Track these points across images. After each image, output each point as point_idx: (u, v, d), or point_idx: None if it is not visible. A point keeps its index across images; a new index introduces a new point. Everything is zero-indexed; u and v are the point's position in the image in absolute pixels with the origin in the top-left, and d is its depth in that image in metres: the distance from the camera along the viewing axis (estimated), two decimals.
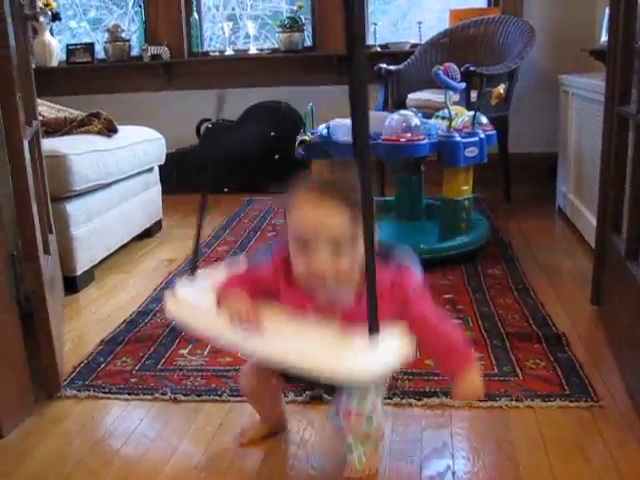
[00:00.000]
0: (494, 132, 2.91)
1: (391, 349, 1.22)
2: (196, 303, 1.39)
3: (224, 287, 1.36)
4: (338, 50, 4.46)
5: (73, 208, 2.70)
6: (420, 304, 1.32)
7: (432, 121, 2.88)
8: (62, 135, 2.94)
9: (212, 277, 1.44)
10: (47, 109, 3.17)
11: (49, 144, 2.64)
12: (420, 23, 4.64)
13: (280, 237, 1.33)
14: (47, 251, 2.11)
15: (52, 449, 1.63)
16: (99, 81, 4.95)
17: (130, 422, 1.73)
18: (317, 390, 1.55)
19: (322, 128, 2.94)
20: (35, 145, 2.15)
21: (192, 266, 1.48)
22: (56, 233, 2.46)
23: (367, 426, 1.32)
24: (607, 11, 2.37)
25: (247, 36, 5.01)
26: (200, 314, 1.36)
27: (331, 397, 1.42)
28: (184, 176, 4.49)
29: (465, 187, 2.82)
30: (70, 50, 4.99)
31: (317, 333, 1.25)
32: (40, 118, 2.82)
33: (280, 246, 1.37)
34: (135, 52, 5.02)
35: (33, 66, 4.67)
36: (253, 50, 4.87)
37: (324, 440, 1.58)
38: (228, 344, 1.32)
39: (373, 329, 1.18)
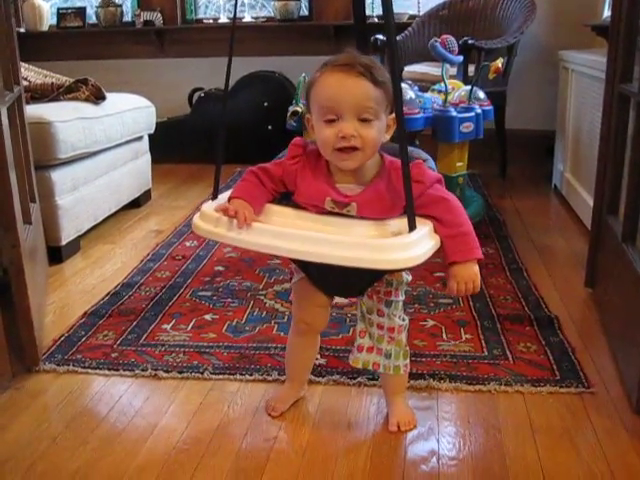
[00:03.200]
0: (491, 107, 2.85)
1: (424, 237, 1.24)
2: (215, 214, 1.34)
3: (232, 194, 1.36)
4: (335, 20, 4.38)
5: (58, 176, 2.63)
6: (437, 188, 1.32)
7: (428, 94, 2.81)
8: (48, 101, 2.86)
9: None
10: (34, 74, 3.09)
11: (34, 110, 2.57)
12: None
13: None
14: (28, 221, 2.05)
15: (28, 425, 1.59)
16: (90, 47, 4.87)
17: (109, 398, 1.69)
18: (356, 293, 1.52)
19: None
20: (16, 111, 2.08)
21: (214, 190, 1.43)
22: (40, 202, 2.41)
23: (404, 335, 1.51)
24: None
25: (243, 4, 4.91)
26: (215, 222, 1.32)
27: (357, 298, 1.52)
28: (175, 145, 4.42)
29: (460, 163, 2.76)
30: (61, 14, 4.89)
31: (349, 226, 1.27)
32: (25, 83, 2.76)
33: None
34: (127, 18, 4.93)
35: (22, 30, 4.61)
36: (248, 18, 4.78)
37: None
38: (259, 247, 1.29)
39: (411, 219, 1.21)
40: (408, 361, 1.54)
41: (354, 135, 1.26)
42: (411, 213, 1.21)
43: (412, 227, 1.21)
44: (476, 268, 1.30)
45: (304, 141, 1.40)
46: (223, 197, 1.39)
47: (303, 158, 1.37)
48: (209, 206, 1.37)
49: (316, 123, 1.31)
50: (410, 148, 1.41)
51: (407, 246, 1.20)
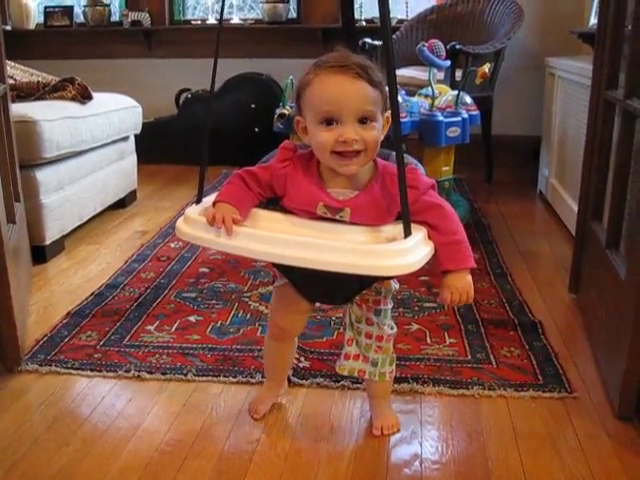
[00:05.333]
0: (477, 112, 2.86)
1: (418, 244, 1.21)
2: (199, 218, 1.30)
3: (218, 198, 1.31)
4: (323, 23, 4.39)
5: (44, 176, 2.62)
6: (432, 194, 1.30)
7: (415, 99, 2.82)
8: (34, 100, 2.85)
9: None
10: (20, 72, 3.08)
11: (20, 109, 2.56)
12: None
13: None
14: (12, 220, 2.04)
15: (9, 426, 1.57)
16: (77, 46, 4.84)
17: (91, 400, 1.68)
18: (343, 300, 1.50)
19: None
20: (2, 109, 2.07)
21: (198, 194, 1.39)
22: (25, 201, 2.39)
23: (391, 343, 1.49)
24: None
25: (232, 5, 4.91)
26: (201, 226, 1.28)
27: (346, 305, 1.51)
28: (162, 146, 4.41)
29: (446, 167, 2.77)
30: (48, 12, 4.86)
31: (341, 231, 1.24)
32: (11, 82, 2.74)
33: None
34: (115, 17, 4.91)
35: (8, 28, 4.58)
36: (236, 20, 4.77)
37: None
38: (249, 253, 1.25)
39: (406, 225, 1.19)
40: (394, 367, 1.53)
41: (356, 139, 1.23)
42: (407, 219, 1.19)
43: (408, 233, 1.19)
44: (469, 278, 1.28)
45: (294, 145, 1.37)
46: (208, 201, 1.35)
47: (293, 162, 1.33)
48: (193, 210, 1.34)
49: (312, 127, 1.27)
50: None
51: (404, 252, 1.17)
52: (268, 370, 1.66)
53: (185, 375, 1.77)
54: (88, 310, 2.17)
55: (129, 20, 4.73)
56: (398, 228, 1.20)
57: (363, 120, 1.24)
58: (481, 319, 2.09)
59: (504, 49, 3.82)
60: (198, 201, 1.38)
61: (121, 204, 3.42)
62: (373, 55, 3.97)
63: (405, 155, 1.40)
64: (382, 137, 1.30)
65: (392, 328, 1.49)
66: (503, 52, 3.83)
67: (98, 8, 4.75)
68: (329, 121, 1.24)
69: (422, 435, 1.53)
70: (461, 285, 1.27)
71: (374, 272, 1.19)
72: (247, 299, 2.26)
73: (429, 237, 1.26)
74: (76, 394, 1.71)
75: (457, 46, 3.41)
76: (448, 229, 1.27)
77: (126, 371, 1.79)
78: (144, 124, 3.63)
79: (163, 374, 1.78)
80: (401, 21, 4.46)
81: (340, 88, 1.23)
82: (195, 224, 1.30)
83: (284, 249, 1.20)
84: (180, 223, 1.33)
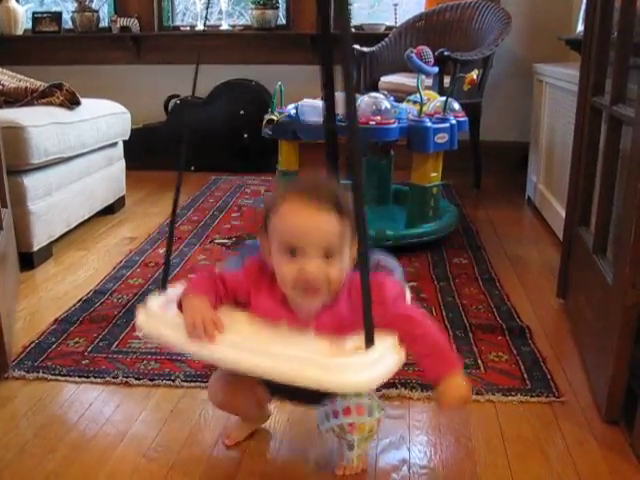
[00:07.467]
0: (466, 119, 2.88)
1: (384, 355, 1.18)
2: (165, 314, 1.29)
3: (188, 291, 1.29)
4: (312, 29, 4.40)
5: (31, 182, 2.61)
6: (400, 306, 1.27)
7: (403, 105, 2.83)
8: (22, 106, 2.84)
9: (182, 289, 1.34)
10: (8, 78, 3.06)
11: (7, 114, 2.56)
12: (396, 5, 4.57)
13: (248, 246, 1.39)
14: None
15: None
16: (65, 52, 4.83)
17: (79, 406, 1.67)
18: (306, 401, 1.44)
19: (291, 108, 2.87)
20: None
21: (163, 279, 1.39)
22: (12, 207, 2.38)
23: (369, 417, 1.33)
24: (584, 0, 2.33)
25: (221, 12, 4.91)
26: (169, 325, 1.27)
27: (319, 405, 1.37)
28: (150, 152, 4.40)
29: (434, 173, 2.78)
30: (36, 18, 4.84)
31: (301, 341, 1.20)
32: None
33: (252, 253, 1.34)
34: (104, 23, 4.89)
35: None
36: (225, 26, 4.77)
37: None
38: (200, 357, 1.26)
39: (369, 335, 1.14)
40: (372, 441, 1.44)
41: (319, 277, 1.18)
42: (370, 328, 1.14)
43: (370, 343, 1.15)
44: (459, 380, 1.24)
45: (259, 264, 1.30)
46: (173, 292, 1.34)
47: (257, 282, 1.29)
48: (156, 302, 1.32)
49: (276, 254, 1.22)
50: (378, 257, 1.39)
51: (362, 367, 1.13)
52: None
53: (173, 381, 1.77)
54: (76, 316, 2.16)
55: (118, 26, 4.72)
56: (362, 339, 1.16)
57: (328, 254, 1.19)
58: (469, 324, 2.09)
59: (492, 56, 3.84)
60: (163, 285, 1.37)
61: (109, 210, 3.41)
62: (361, 62, 4.00)
63: (387, 259, 1.39)
64: (350, 266, 1.25)
65: (373, 401, 1.36)
66: (491, 59, 3.85)
67: (86, 14, 4.73)
68: (292, 251, 1.19)
69: (410, 440, 1.53)
70: (450, 392, 1.23)
71: (324, 387, 1.14)
72: None
73: (404, 346, 1.23)
74: (64, 400, 1.70)
75: (445, 53, 3.43)
76: (422, 338, 1.24)
77: (114, 377, 1.78)
78: (133, 130, 3.63)
79: (151, 380, 1.77)
80: (389, 28, 4.48)
81: (307, 222, 1.18)
82: (159, 318, 1.29)
83: (234, 354, 1.19)
84: (141, 317, 1.31)
